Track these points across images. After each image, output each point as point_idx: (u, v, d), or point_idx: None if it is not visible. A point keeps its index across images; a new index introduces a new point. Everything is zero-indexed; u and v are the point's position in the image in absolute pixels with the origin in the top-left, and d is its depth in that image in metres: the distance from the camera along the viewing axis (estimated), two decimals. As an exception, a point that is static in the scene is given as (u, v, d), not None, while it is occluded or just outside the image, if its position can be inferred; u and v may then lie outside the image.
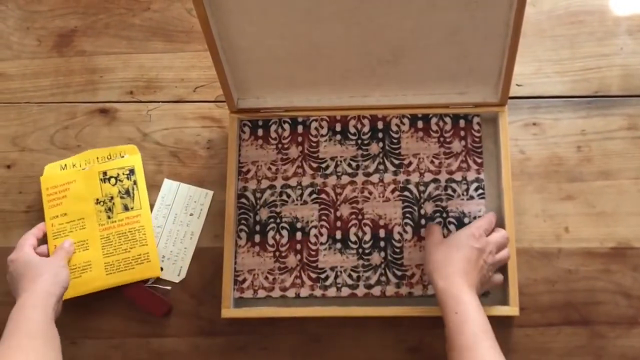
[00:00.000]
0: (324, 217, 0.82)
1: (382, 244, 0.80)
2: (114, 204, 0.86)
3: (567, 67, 0.88)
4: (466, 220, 0.80)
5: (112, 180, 0.86)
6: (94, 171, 0.87)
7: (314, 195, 0.82)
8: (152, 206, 0.87)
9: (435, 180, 0.81)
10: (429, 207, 0.81)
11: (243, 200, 0.83)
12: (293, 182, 0.83)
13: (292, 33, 0.73)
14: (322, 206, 0.82)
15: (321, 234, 0.81)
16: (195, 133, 0.89)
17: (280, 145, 0.84)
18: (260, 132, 0.85)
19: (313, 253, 0.81)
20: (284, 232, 0.81)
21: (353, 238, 0.81)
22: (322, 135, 0.84)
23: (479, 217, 0.79)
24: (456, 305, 0.67)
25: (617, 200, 0.82)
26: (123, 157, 0.88)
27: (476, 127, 0.82)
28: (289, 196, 0.83)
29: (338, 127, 0.84)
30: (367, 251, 0.80)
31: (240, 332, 0.81)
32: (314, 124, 0.84)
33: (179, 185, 0.87)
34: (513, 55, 0.73)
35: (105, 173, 0.87)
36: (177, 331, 0.83)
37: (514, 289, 0.77)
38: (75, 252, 0.84)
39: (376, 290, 0.79)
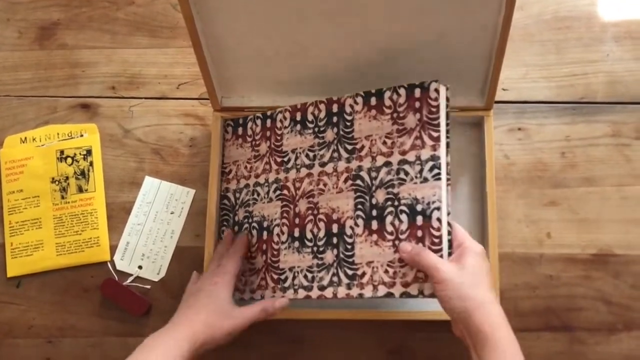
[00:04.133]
0: (285, 215, 0.76)
1: (334, 240, 0.72)
2: (68, 184, 0.85)
3: (553, 73, 0.87)
4: (419, 207, 0.67)
5: (69, 160, 0.86)
6: (52, 149, 0.86)
7: (278, 192, 0.77)
8: (132, 203, 0.86)
9: (387, 164, 0.70)
10: (380, 196, 0.70)
11: (225, 201, 0.81)
12: (262, 179, 0.79)
13: (279, 32, 0.72)
14: (284, 203, 0.76)
15: (282, 233, 0.76)
16: (178, 130, 0.88)
17: (253, 142, 0.81)
18: (240, 130, 0.82)
19: (275, 253, 0.76)
20: (254, 232, 0.78)
21: (309, 235, 0.74)
22: (285, 127, 0.78)
23: (433, 203, 0.66)
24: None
25: (600, 207, 0.82)
26: (82, 135, 0.87)
27: (433, 94, 0.68)
28: (258, 194, 0.79)
29: (298, 117, 0.77)
30: (321, 249, 0.73)
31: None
32: (279, 116, 0.79)
33: (160, 182, 0.86)
34: (500, 59, 0.72)
35: (62, 152, 0.86)
36: (156, 330, 0.82)
37: (495, 293, 0.77)
38: (28, 230, 0.85)
39: (328, 292, 0.71)
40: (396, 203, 0.69)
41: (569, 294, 0.80)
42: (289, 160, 0.77)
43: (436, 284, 0.62)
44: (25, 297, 0.84)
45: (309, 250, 0.73)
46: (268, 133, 0.80)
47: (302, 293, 0.73)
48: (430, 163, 0.67)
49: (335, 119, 0.75)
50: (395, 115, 0.71)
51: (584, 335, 0.79)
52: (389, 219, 0.69)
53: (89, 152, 0.87)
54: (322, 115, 0.76)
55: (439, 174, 0.67)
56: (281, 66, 0.78)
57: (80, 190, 0.86)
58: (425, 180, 0.67)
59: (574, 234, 0.82)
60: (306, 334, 0.81)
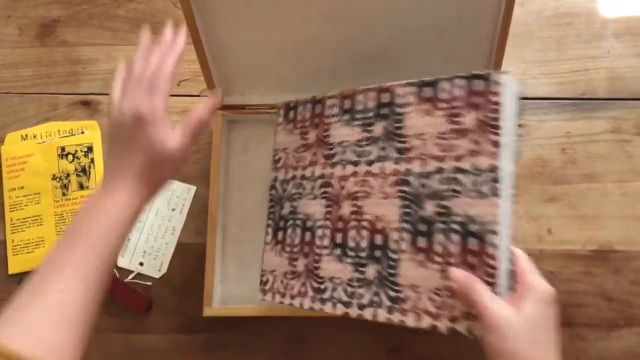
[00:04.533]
0: (328, 216, 0.67)
1: (377, 253, 0.61)
2: (69, 181, 0.86)
3: (553, 69, 0.87)
4: (473, 227, 0.54)
5: (70, 157, 0.86)
6: (53, 146, 0.87)
7: (322, 189, 0.68)
8: (134, 201, 0.86)
9: (439, 170, 0.58)
10: (429, 207, 0.58)
11: (273, 192, 0.74)
12: (308, 172, 0.70)
13: (279, 31, 0.72)
14: (328, 202, 0.67)
15: (325, 236, 0.66)
16: (178, 127, 0.88)
17: (303, 129, 0.71)
18: (291, 114, 0.74)
19: (317, 258, 0.67)
20: (297, 231, 0.69)
21: (351, 243, 0.64)
22: (333, 115, 0.68)
23: (490, 224, 0.54)
24: None
25: (600, 203, 0.82)
26: (83, 132, 0.87)
27: (495, 88, 0.55)
28: (304, 189, 0.70)
29: (347, 104, 0.67)
30: (363, 262, 0.62)
31: (222, 330, 0.81)
32: (329, 102, 0.69)
33: (161, 180, 0.86)
34: (500, 56, 0.73)
35: (63, 149, 0.87)
36: (157, 327, 0.82)
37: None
38: (30, 227, 0.84)
39: (368, 313, 0.61)
40: (447, 219, 0.57)
41: (569, 290, 0.80)
42: (335, 154, 0.67)
43: (483, 328, 0.51)
44: (27, 294, 0.84)
45: (350, 261, 0.64)
46: (317, 120, 0.70)
47: (340, 309, 0.63)
48: (489, 174, 0.55)
49: (385, 110, 0.64)
50: (451, 111, 0.58)
51: (585, 332, 0.79)
52: (438, 237, 0.57)
53: (89, 149, 0.87)
54: (372, 105, 0.65)
55: (498, 188, 0.54)
56: (282, 64, 0.78)
57: (81, 187, 0.86)
58: (482, 195, 0.55)
59: (574, 230, 0.82)
60: (306, 333, 0.81)
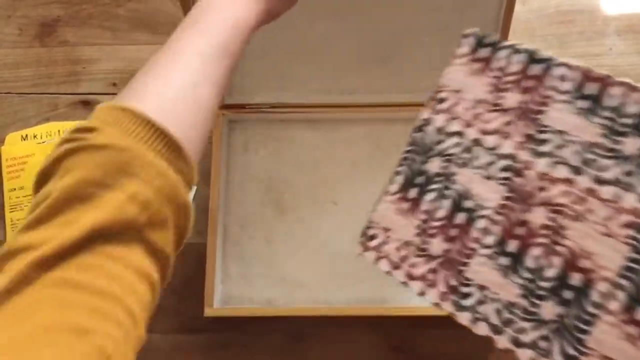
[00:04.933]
0: (504, 211, 0.52)
1: (568, 294, 0.49)
2: None
3: (555, 67, 0.87)
4: None
5: None
6: (53, 146, 0.86)
7: (507, 174, 0.53)
8: (134, 200, 0.86)
9: None
10: None
11: (419, 135, 0.57)
12: (490, 141, 0.54)
13: (281, 30, 0.72)
14: (511, 195, 0.53)
15: (489, 233, 0.53)
16: (179, 127, 0.88)
17: (498, 82, 0.56)
18: (483, 52, 0.57)
19: (468, 253, 0.53)
20: (445, 204, 0.54)
21: (530, 263, 0.50)
22: (562, 92, 0.53)
23: None
24: None
25: (603, 202, 0.82)
26: None
27: None
28: (476, 158, 0.54)
29: (591, 89, 0.52)
30: (540, 293, 0.49)
31: (223, 330, 0.80)
32: (559, 70, 0.53)
33: (162, 179, 0.86)
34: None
35: None
36: (157, 327, 0.82)
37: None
38: None
39: (524, 354, 0.49)
40: None
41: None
42: (547, 142, 0.52)
43: None
44: (27, 294, 0.84)
45: (521, 282, 0.50)
46: (529, 83, 0.54)
47: (483, 329, 0.51)
48: None
49: None
50: None
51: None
52: None
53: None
54: (634, 110, 0.50)
55: None
56: (283, 63, 0.77)
57: (82, 187, 0.86)
58: None
59: (577, 229, 0.81)
60: (307, 333, 0.81)
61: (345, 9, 0.68)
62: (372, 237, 0.57)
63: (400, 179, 0.57)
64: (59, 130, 0.88)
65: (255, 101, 0.82)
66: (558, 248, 0.49)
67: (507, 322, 0.50)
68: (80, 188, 0.37)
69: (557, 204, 0.50)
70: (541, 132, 0.52)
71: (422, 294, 0.53)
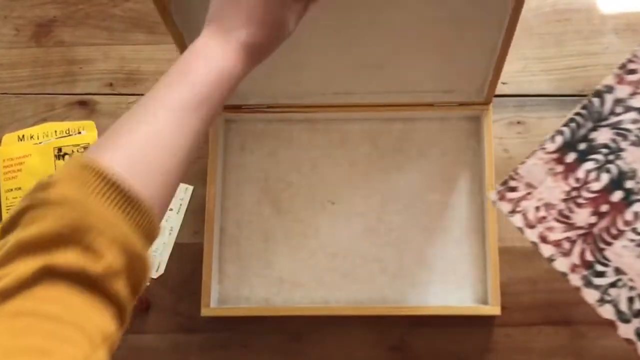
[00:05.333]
0: None
1: None
2: None
3: (553, 66, 0.87)
4: None
5: (67, 158, 0.86)
6: (50, 147, 0.86)
7: None
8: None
9: None
10: None
11: (596, 99, 0.57)
12: None
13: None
14: None
15: None
16: (176, 127, 0.88)
17: None
18: None
19: (614, 232, 0.52)
20: (604, 177, 0.54)
21: None
22: None
23: None
24: None
25: (600, 200, 0.82)
26: (80, 133, 0.87)
27: None
28: None
29: None
30: None
31: (221, 330, 0.80)
32: None
33: (159, 179, 0.86)
34: (504, 55, 0.71)
35: (60, 149, 0.86)
36: (155, 327, 0.82)
37: (496, 288, 0.76)
38: None
39: None
40: None
41: (569, 288, 0.80)
42: None
43: None
44: (25, 295, 0.84)
45: None
46: None
47: (608, 312, 0.53)
48: None
49: None
50: None
51: (585, 329, 0.78)
52: None
53: (86, 149, 0.87)
54: None
55: None
56: (277, 67, 0.77)
57: (79, 187, 0.85)
58: None
59: (574, 227, 0.81)
60: (305, 332, 0.81)
61: (339, 22, 0.67)
62: (513, 189, 0.57)
63: (560, 140, 0.56)
64: (55, 131, 0.88)
65: (250, 102, 0.82)
66: None
67: (637, 314, 0.48)
68: (37, 240, 0.39)
69: None
70: None
71: (551, 260, 0.53)
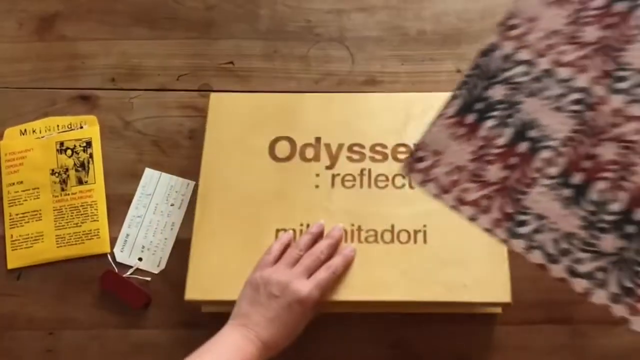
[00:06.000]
0: (572, 143, 0.53)
1: (630, 229, 0.49)
2: (68, 176, 0.85)
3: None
4: None
5: (68, 152, 0.86)
6: (51, 141, 0.86)
7: (579, 107, 0.53)
8: (132, 195, 0.86)
9: None
10: None
11: (484, 59, 0.57)
12: (564, 72, 0.54)
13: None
14: (580, 127, 0.53)
15: (554, 163, 0.53)
16: (177, 122, 0.88)
17: (579, 15, 0.55)
18: None
19: (527, 181, 0.53)
20: (507, 132, 0.55)
21: (594, 196, 0.51)
22: None
23: None
24: None
25: (602, 199, 0.82)
26: (82, 127, 0.87)
27: None
28: (545, 88, 0.54)
29: None
30: (601, 225, 0.50)
31: (220, 325, 0.80)
32: None
33: (160, 174, 0.86)
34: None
35: (62, 144, 0.86)
36: (156, 323, 0.82)
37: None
38: (29, 222, 0.84)
39: (579, 284, 0.50)
40: None
41: (570, 287, 0.80)
42: (624, 79, 0.53)
43: None
44: (26, 289, 0.84)
45: (584, 214, 0.51)
46: (612, 20, 0.55)
47: (537, 257, 0.52)
48: None
49: None
50: None
51: (586, 328, 0.79)
52: None
53: (88, 143, 0.87)
54: None
55: None
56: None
57: (80, 182, 0.85)
58: None
59: (576, 226, 0.81)
60: (306, 327, 0.81)
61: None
62: (421, 159, 0.56)
63: (458, 103, 0.56)
64: (57, 125, 0.88)
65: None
66: (625, 184, 0.50)
67: (564, 252, 0.50)
68: None
69: (629, 141, 0.50)
70: (620, 69, 0.52)
71: (473, 219, 0.54)
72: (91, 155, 0.86)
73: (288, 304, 0.67)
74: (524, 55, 0.56)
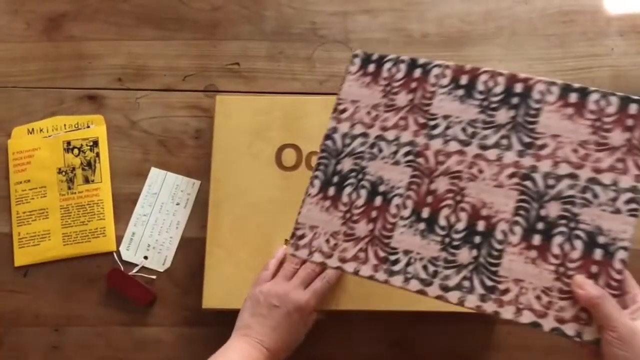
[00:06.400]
0: (413, 187, 0.65)
1: (477, 239, 0.61)
2: (75, 175, 0.86)
3: (558, 67, 0.88)
4: (601, 239, 0.58)
5: (75, 151, 0.87)
6: (59, 140, 0.87)
7: (410, 157, 0.65)
8: (138, 194, 0.86)
9: (572, 176, 0.60)
10: (553, 209, 0.60)
11: (329, 142, 0.69)
12: (390, 135, 0.67)
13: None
14: (416, 172, 0.65)
15: (405, 206, 0.64)
16: (183, 122, 0.89)
17: (389, 88, 0.68)
18: (371, 67, 0.70)
19: (389, 227, 0.64)
20: (362, 193, 0.66)
21: (442, 222, 0.63)
22: (441, 86, 0.66)
23: (621, 241, 0.58)
24: None
25: (603, 201, 0.82)
26: (89, 127, 0.88)
27: None
28: (380, 150, 0.67)
29: (464, 80, 0.66)
30: (455, 243, 0.62)
31: (225, 323, 0.81)
32: (436, 70, 0.67)
33: (165, 174, 0.87)
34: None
35: (69, 143, 0.87)
36: (161, 320, 0.82)
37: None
38: (36, 220, 0.86)
39: (453, 296, 0.61)
40: (572, 225, 0.59)
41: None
42: (437, 126, 0.66)
43: (615, 341, 0.55)
44: (32, 286, 0.85)
45: (439, 239, 0.63)
46: (414, 84, 0.68)
47: (415, 285, 0.62)
48: (629, 195, 0.58)
49: (515, 100, 0.63)
50: (598, 124, 0.61)
51: (586, 328, 0.79)
52: (558, 239, 0.59)
53: (95, 143, 0.88)
54: (499, 90, 0.64)
55: (636, 210, 0.58)
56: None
57: (87, 181, 0.86)
58: (617, 211, 0.58)
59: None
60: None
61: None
62: (302, 237, 0.67)
63: (318, 182, 0.68)
64: (64, 124, 0.89)
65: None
66: (462, 205, 0.62)
67: (434, 274, 0.62)
68: None
69: (455, 172, 0.63)
70: (431, 119, 0.66)
71: (356, 272, 0.64)
72: (98, 155, 0.87)
73: (288, 312, 0.71)
74: (357, 130, 0.68)
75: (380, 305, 0.77)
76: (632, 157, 0.59)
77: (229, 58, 0.91)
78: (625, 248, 0.58)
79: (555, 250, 0.59)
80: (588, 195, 0.59)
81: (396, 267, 0.63)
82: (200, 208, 0.85)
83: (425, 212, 0.64)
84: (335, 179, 0.68)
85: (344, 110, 0.69)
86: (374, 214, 0.65)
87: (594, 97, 0.61)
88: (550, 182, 0.61)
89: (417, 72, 0.68)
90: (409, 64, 0.68)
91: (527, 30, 0.89)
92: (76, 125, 0.89)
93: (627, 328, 0.55)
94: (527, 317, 0.59)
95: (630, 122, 0.60)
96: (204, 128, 0.88)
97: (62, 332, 0.83)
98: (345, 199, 0.67)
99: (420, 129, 0.66)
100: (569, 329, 0.58)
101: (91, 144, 0.87)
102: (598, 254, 0.58)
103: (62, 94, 0.91)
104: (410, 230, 0.64)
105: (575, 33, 0.89)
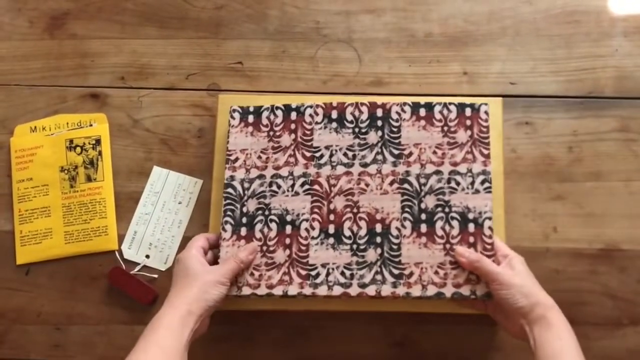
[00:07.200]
0: (316, 210, 0.77)
1: (378, 239, 0.75)
2: (77, 173, 0.86)
3: (561, 67, 0.87)
4: (471, 215, 0.74)
5: (78, 149, 0.87)
6: (61, 138, 0.87)
7: (306, 187, 0.78)
8: (140, 193, 0.86)
9: (437, 172, 0.76)
10: (430, 201, 0.75)
11: (230, 190, 0.79)
12: (284, 171, 0.78)
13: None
14: (315, 198, 0.77)
15: (313, 228, 0.76)
16: (186, 121, 0.89)
17: (272, 133, 0.80)
18: (250, 118, 0.81)
19: (303, 248, 0.76)
20: (273, 225, 0.77)
21: (347, 233, 0.76)
22: (316, 123, 0.79)
23: (485, 212, 0.74)
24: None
25: (607, 202, 0.82)
26: (92, 125, 0.88)
27: (484, 115, 0.78)
28: (279, 187, 0.78)
29: (334, 115, 0.80)
30: (362, 247, 0.75)
31: (224, 323, 0.81)
32: (309, 111, 0.80)
33: (168, 172, 0.87)
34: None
35: (71, 141, 0.87)
36: (162, 319, 0.82)
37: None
38: (38, 218, 0.85)
39: (371, 290, 0.73)
40: (447, 210, 0.75)
41: (574, 288, 0.80)
42: (322, 156, 0.79)
43: (499, 287, 0.69)
44: (34, 284, 0.85)
45: (348, 247, 0.76)
46: (293, 126, 0.80)
47: (338, 290, 0.74)
48: (482, 177, 0.76)
49: (379, 122, 0.79)
50: (445, 128, 0.78)
51: (589, 330, 0.79)
52: (439, 223, 0.75)
53: (98, 141, 0.88)
54: (364, 117, 0.79)
55: (489, 187, 0.75)
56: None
57: (89, 179, 0.86)
58: (477, 191, 0.75)
59: (580, 228, 0.82)
60: (308, 327, 0.81)
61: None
62: None
63: (229, 227, 0.78)
64: (67, 123, 0.89)
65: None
66: (360, 215, 0.76)
67: (351, 277, 0.75)
68: None
69: (347, 190, 0.77)
70: (315, 151, 0.79)
71: (285, 293, 0.75)
72: (100, 153, 0.87)
73: (177, 260, 0.75)
74: (253, 174, 0.79)
75: (381, 305, 0.77)
76: (476, 148, 0.77)
77: (232, 57, 0.91)
78: (489, 218, 0.74)
79: (439, 232, 0.75)
80: (452, 185, 0.76)
81: (318, 280, 0.75)
82: (202, 207, 0.85)
83: (332, 229, 0.76)
84: (245, 219, 0.78)
85: (236, 160, 0.80)
86: (287, 240, 0.77)
87: (438, 108, 0.78)
88: (422, 180, 0.76)
89: (294, 115, 0.80)
90: (284, 110, 0.81)
91: (530, 31, 0.89)
92: (79, 124, 0.88)
93: (504, 276, 0.69)
94: (432, 291, 0.73)
95: (468, 122, 0.78)
96: (207, 127, 0.88)
97: (63, 330, 0.83)
98: (258, 234, 0.77)
99: (309, 161, 0.79)
100: (465, 290, 0.72)
101: (94, 142, 0.87)
102: (471, 227, 0.74)
103: (65, 92, 0.91)
104: (322, 247, 0.76)
105: (579, 34, 0.88)
